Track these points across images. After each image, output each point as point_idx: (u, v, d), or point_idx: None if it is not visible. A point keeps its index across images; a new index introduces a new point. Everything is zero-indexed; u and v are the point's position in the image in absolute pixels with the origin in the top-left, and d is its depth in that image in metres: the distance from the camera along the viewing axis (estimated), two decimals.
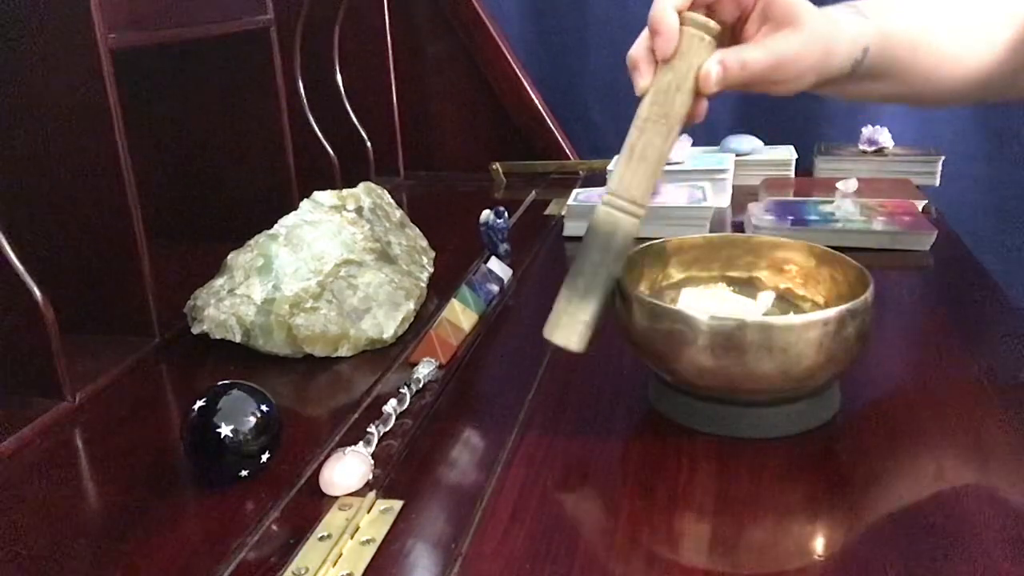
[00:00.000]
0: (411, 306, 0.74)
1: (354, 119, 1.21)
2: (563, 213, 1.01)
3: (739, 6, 0.54)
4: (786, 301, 0.65)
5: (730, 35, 0.55)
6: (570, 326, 0.55)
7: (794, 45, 0.53)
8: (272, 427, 0.53)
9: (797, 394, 0.55)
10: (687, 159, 1.14)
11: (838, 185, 1.02)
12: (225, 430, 0.51)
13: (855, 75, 0.58)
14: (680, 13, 0.52)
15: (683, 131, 0.55)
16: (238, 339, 0.69)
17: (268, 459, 0.53)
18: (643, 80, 0.54)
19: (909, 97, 0.64)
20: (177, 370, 0.70)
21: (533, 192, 1.18)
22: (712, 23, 0.52)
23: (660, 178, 0.55)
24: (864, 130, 1.16)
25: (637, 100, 0.55)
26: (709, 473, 0.52)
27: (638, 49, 0.54)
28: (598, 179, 1.18)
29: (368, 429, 0.56)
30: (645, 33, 0.54)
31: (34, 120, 0.68)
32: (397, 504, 0.50)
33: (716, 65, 0.52)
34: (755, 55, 0.53)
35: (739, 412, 0.55)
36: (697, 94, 0.53)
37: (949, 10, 0.62)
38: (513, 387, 0.63)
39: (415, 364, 0.65)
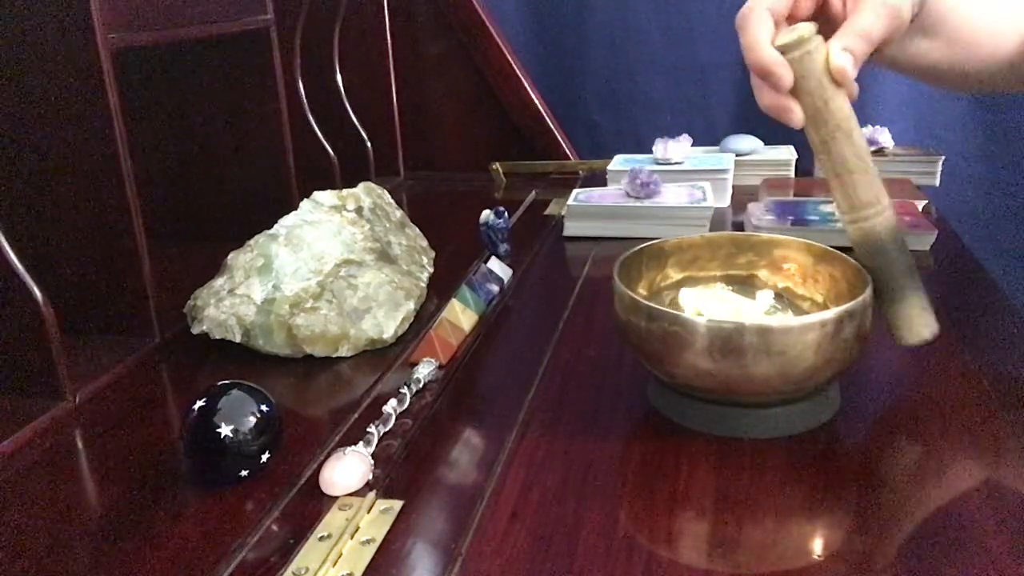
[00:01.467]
0: (411, 306, 0.74)
1: (354, 119, 1.21)
2: (563, 213, 1.01)
3: None
4: (785, 300, 0.65)
5: (822, 18, 0.55)
6: (914, 324, 0.56)
7: None
8: (272, 427, 0.53)
9: (796, 395, 0.55)
10: (687, 159, 1.14)
11: None
12: (225, 430, 0.51)
13: (914, 23, 0.57)
14: (775, 46, 0.52)
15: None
16: (238, 339, 0.69)
17: (268, 459, 0.53)
18: (794, 115, 0.54)
19: (950, 66, 0.63)
20: (177, 370, 0.70)
21: (533, 192, 1.18)
22: (804, 31, 0.52)
23: (872, 173, 0.55)
24: (864, 130, 1.16)
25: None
26: (709, 473, 0.52)
27: (764, 95, 0.54)
28: (598, 179, 1.18)
29: (368, 429, 0.56)
30: (756, 80, 0.54)
31: (34, 120, 0.68)
32: (397, 504, 0.50)
33: (843, 55, 0.52)
34: (869, 20, 0.53)
35: (739, 412, 0.55)
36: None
37: None
38: (513, 387, 0.63)
39: (415, 364, 0.65)
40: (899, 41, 0.58)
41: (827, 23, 0.55)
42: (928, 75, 0.64)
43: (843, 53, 0.52)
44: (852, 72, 0.52)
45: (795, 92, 0.53)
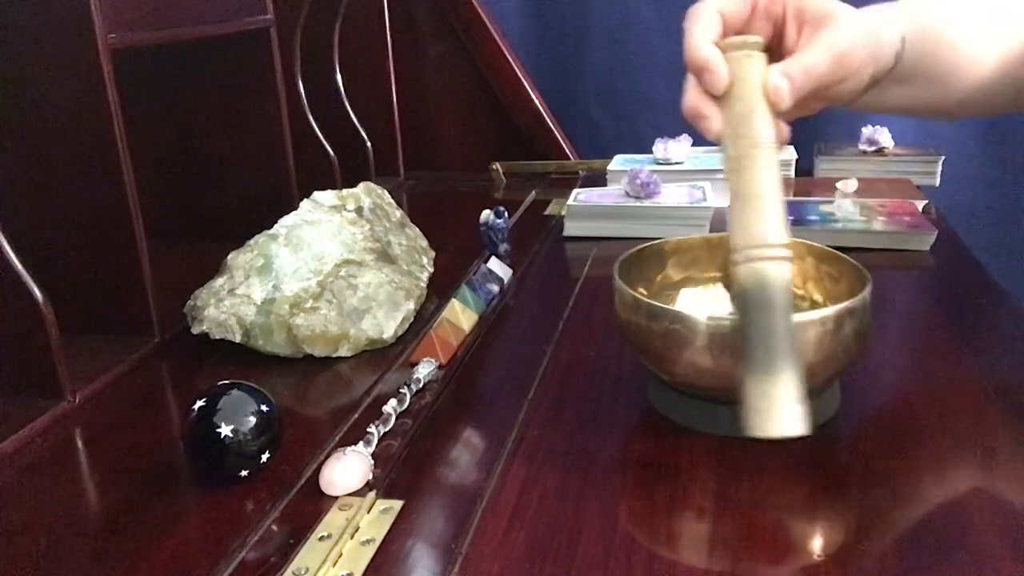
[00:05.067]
0: (411, 306, 0.74)
1: (354, 119, 1.21)
2: (563, 213, 1.01)
3: (770, 18, 0.53)
4: None
5: (770, 56, 0.53)
6: (781, 410, 0.45)
7: (844, 37, 0.51)
8: (272, 427, 0.53)
9: None
10: (687, 159, 1.14)
11: (838, 185, 1.02)
12: (225, 430, 0.51)
13: (896, 69, 0.57)
14: (717, 45, 0.50)
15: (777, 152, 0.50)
16: (238, 339, 0.69)
17: (268, 459, 0.53)
18: (713, 123, 0.50)
19: (929, 104, 0.63)
20: (177, 370, 0.70)
21: (533, 192, 1.18)
22: (751, 37, 0.50)
23: (783, 209, 0.48)
24: (864, 130, 1.16)
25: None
26: (709, 473, 0.52)
27: (692, 96, 0.51)
28: (598, 179, 1.18)
29: (368, 429, 0.56)
30: (691, 79, 0.51)
31: (34, 120, 0.68)
32: (397, 504, 0.50)
33: (782, 78, 0.49)
34: (813, 58, 0.50)
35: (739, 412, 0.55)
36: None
37: (968, 13, 0.62)
38: (513, 387, 0.63)
39: (415, 364, 0.65)
40: (874, 94, 0.58)
41: (777, 57, 0.53)
42: (907, 113, 0.64)
43: (782, 77, 0.50)
44: (788, 100, 0.49)
45: (724, 99, 0.50)
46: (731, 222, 0.49)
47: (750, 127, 0.49)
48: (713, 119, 0.50)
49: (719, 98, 0.50)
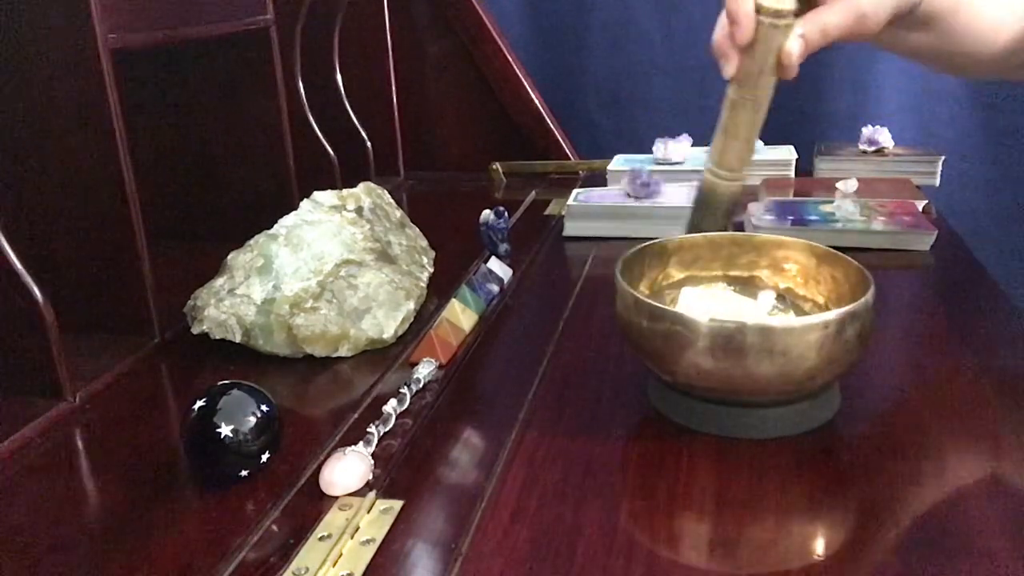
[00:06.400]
0: (411, 306, 0.74)
1: (354, 119, 1.21)
2: (563, 213, 1.01)
3: None
4: (787, 301, 0.65)
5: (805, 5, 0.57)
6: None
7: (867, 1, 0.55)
8: (272, 427, 0.53)
9: (798, 396, 0.55)
10: (687, 159, 1.14)
11: (838, 185, 1.02)
12: (225, 430, 0.51)
13: (910, 18, 0.59)
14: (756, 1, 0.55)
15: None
16: (238, 339, 0.69)
17: (268, 459, 0.53)
18: (729, 67, 0.57)
19: (947, 55, 0.65)
20: (177, 370, 0.70)
21: (533, 192, 1.18)
22: (785, 6, 0.55)
23: (752, 149, 0.61)
24: (864, 130, 1.16)
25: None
26: (709, 473, 0.52)
27: (720, 37, 0.57)
28: (598, 179, 1.18)
29: (368, 429, 0.56)
30: (724, 19, 0.57)
31: (34, 120, 0.68)
32: (397, 504, 0.50)
33: (797, 41, 0.55)
34: (834, 19, 0.55)
35: (739, 412, 0.55)
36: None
37: None
38: (513, 387, 0.63)
39: (415, 364, 0.65)
40: (890, 33, 0.60)
41: (811, 5, 0.57)
42: (917, 59, 0.65)
43: (798, 39, 0.55)
44: (797, 58, 0.56)
45: (744, 49, 0.56)
46: (714, 143, 0.61)
47: (754, 83, 0.57)
48: (730, 64, 0.57)
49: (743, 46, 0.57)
